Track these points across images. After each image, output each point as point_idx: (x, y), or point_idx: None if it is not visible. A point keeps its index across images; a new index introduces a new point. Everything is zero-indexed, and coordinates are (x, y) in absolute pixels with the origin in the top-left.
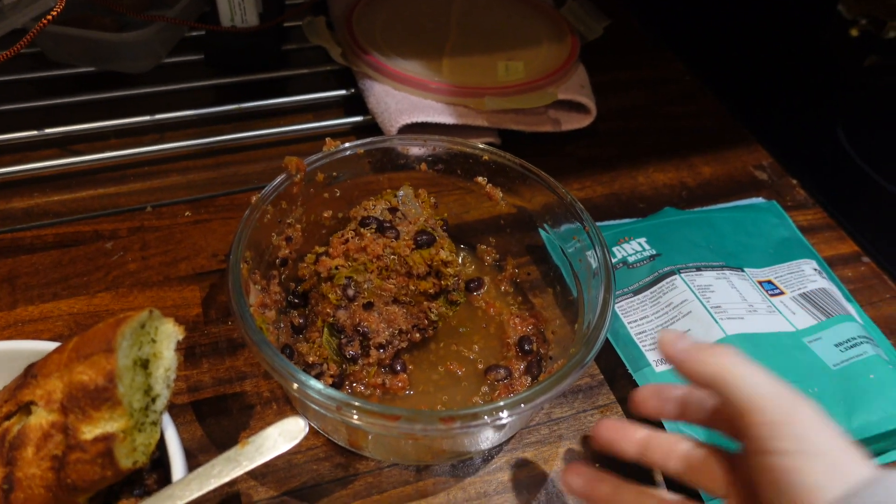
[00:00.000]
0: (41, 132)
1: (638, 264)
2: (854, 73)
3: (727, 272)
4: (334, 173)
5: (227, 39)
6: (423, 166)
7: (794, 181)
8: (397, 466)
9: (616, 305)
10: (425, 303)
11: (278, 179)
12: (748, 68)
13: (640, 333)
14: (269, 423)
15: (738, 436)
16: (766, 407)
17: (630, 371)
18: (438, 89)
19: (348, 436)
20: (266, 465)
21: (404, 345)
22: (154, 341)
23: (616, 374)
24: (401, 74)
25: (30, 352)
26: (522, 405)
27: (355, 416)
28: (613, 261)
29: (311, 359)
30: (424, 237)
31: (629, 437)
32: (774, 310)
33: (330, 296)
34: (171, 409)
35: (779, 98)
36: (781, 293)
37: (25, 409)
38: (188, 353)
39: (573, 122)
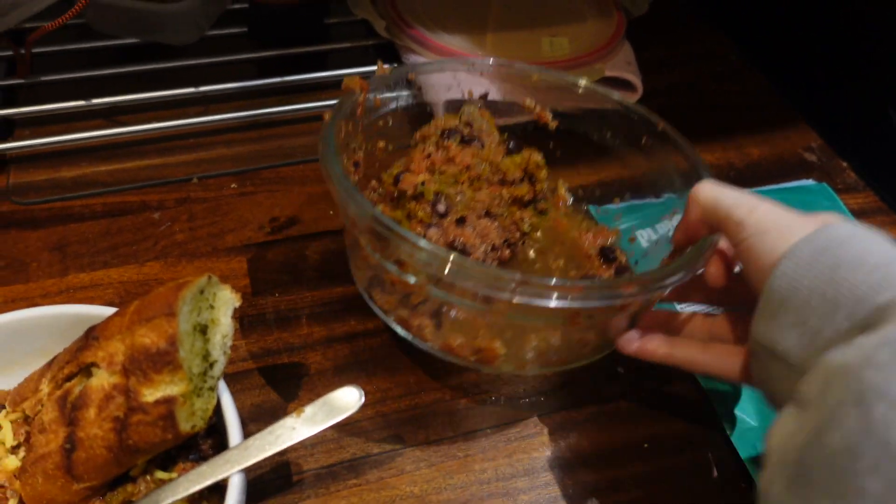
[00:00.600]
0: (88, 102)
1: None
2: None
3: None
4: (388, 97)
5: (270, 12)
6: (471, 91)
7: (845, 163)
8: (445, 442)
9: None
10: (518, 213)
11: (342, 99)
12: (795, 45)
13: None
14: (319, 395)
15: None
16: (733, 212)
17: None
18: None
19: (487, 342)
20: (316, 435)
21: (495, 263)
22: (212, 307)
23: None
24: (445, 48)
25: (86, 315)
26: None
27: (533, 293)
28: (656, 237)
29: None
30: (514, 142)
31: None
32: None
33: (419, 213)
34: (223, 377)
35: (828, 77)
36: None
37: (87, 370)
38: (236, 323)
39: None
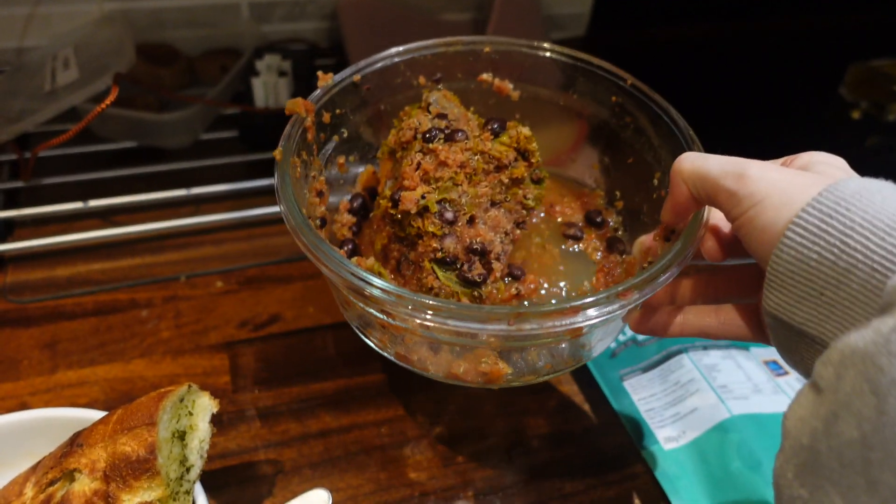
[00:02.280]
0: (86, 204)
1: (647, 342)
2: (856, 154)
3: (733, 351)
4: (337, 110)
5: (260, 119)
6: (422, 79)
7: None
8: None
9: (625, 382)
10: (519, 191)
11: (289, 128)
12: (755, 149)
13: (648, 410)
14: (293, 493)
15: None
16: (721, 182)
17: (638, 448)
18: None
19: (491, 365)
20: None
21: (510, 248)
22: (191, 413)
23: (625, 451)
24: None
25: (73, 419)
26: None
27: (530, 324)
28: (623, 338)
29: None
30: (495, 124)
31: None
32: (779, 390)
33: (430, 228)
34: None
35: None
36: (786, 373)
37: (70, 475)
38: (215, 420)
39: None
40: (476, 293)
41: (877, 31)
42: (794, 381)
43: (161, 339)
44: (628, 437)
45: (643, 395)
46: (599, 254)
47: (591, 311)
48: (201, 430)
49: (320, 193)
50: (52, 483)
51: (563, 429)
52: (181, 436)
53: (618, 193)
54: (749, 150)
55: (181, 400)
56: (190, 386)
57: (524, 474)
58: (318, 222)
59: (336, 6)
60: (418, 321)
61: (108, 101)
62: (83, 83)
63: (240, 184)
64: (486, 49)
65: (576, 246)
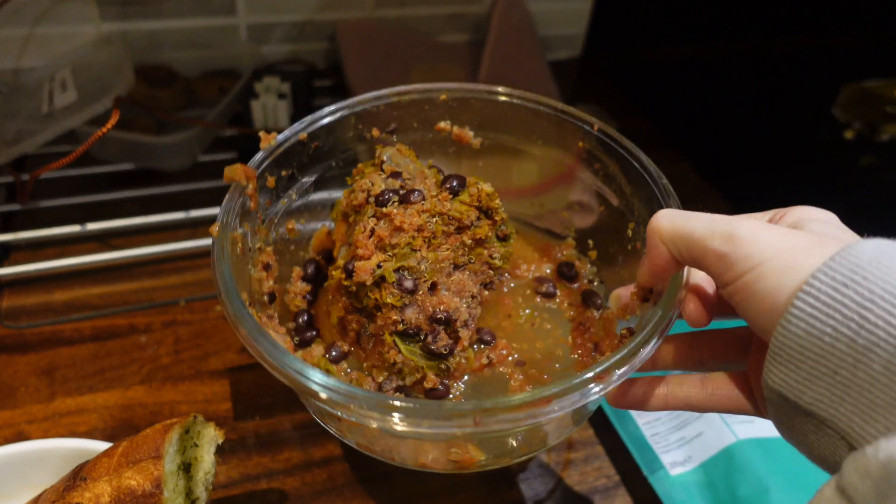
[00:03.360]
0: (83, 227)
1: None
2: (849, 174)
3: None
4: (283, 172)
5: (259, 140)
6: (376, 131)
7: None
8: None
9: None
10: (484, 252)
11: (228, 197)
12: (750, 169)
13: (654, 435)
14: None
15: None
16: (710, 244)
17: (645, 474)
18: None
19: (462, 455)
20: None
21: (478, 311)
22: (196, 445)
23: (632, 476)
24: None
25: (77, 450)
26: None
27: (498, 420)
28: None
29: (407, 378)
30: (454, 182)
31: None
32: None
33: (388, 300)
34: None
35: (782, 199)
36: None
37: None
38: (218, 449)
39: (582, 221)
40: (443, 366)
41: (869, 51)
42: None
43: (161, 364)
44: (634, 462)
45: (648, 418)
46: (574, 310)
47: (566, 400)
48: (206, 462)
49: (267, 266)
50: None
51: (566, 456)
52: (187, 468)
53: (590, 242)
54: (742, 170)
55: (187, 431)
56: (196, 417)
57: (529, 502)
58: (265, 299)
59: (335, 27)
60: (374, 424)
61: (109, 125)
62: (81, 105)
63: None
64: (443, 97)
65: (550, 303)
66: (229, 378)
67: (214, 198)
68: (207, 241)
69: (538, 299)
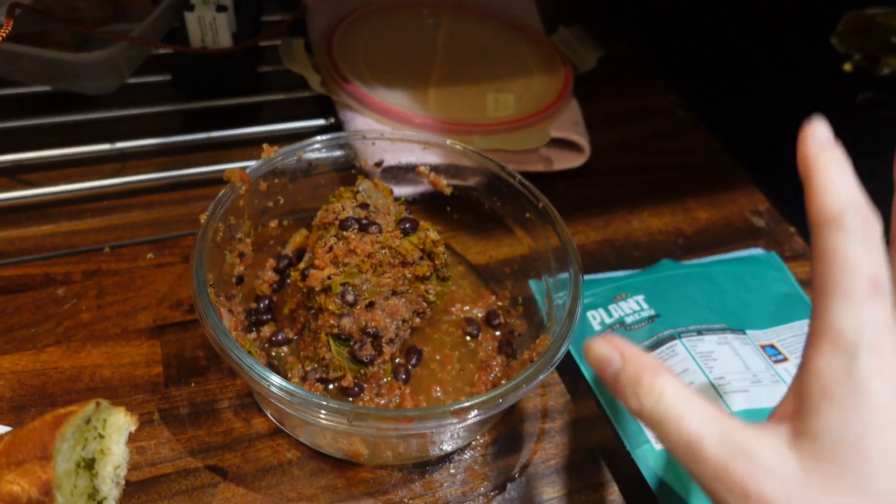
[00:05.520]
0: None
1: (636, 326)
2: (847, 110)
3: (729, 336)
4: (276, 180)
5: (196, 60)
6: (365, 161)
7: (792, 228)
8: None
9: None
10: (421, 286)
11: (223, 193)
12: (741, 101)
13: None
14: None
15: None
16: (710, 454)
17: (627, 448)
18: (424, 124)
19: (349, 446)
20: None
21: (407, 334)
22: (101, 436)
23: (612, 450)
24: (384, 107)
25: None
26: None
27: (368, 425)
28: (610, 320)
29: (331, 374)
30: (408, 224)
31: None
32: (779, 379)
33: (330, 307)
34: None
35: (772, 134)
36: (785, 359)
37: None
38: (145, 420)
39: (565, 162)
40: (362, 371)
41: None
42: (792, 368)
43: (81, 321)
44: (615, 433)
45: None
46: (487, 353)
47: (428, 423)
48: (116, 455)
49: (242, 255)
50: None
51: (540, 426)
52: (89, 464)
53: (520, 299)
54: (731, 102)
55: (87, 421)
56: (98, 403)
57: (496, 478)
58: (233, 280)
59: None
60: (272, 400)
61: (4, 32)
62: None
63: (174, 137)
64: (426, 147)
65: (472, 343)
66: (160, 337)
67: (144, 127)
68: (137, 178)
69: (464, 337)
